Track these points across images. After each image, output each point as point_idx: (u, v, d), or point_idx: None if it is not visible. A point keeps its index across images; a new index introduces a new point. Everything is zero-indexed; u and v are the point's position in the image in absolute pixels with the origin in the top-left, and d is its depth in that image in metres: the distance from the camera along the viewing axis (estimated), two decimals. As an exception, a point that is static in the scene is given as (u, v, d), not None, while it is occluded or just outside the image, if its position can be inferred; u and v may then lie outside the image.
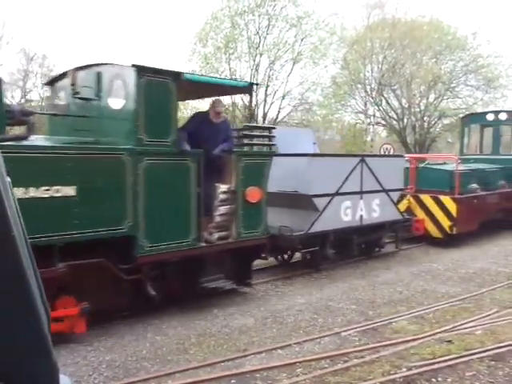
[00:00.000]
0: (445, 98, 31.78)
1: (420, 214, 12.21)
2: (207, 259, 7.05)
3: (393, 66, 30.38)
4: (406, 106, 31.67)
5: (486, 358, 5.30)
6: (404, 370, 5.01)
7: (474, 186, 12.60)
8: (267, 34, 27.24)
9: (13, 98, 32.33)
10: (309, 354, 5.44)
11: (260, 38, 27.16)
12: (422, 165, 13.43)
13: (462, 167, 12.95)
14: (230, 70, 27.29)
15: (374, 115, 31.02)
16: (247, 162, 7.27)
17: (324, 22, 27.86)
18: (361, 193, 9.74)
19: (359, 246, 10.36)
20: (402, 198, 12.01)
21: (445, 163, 14.25)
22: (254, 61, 27.26)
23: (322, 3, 42.04)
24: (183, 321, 6.55)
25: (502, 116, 15.37)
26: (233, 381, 4.81)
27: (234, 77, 26.81)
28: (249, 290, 7.96)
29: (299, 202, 8.88)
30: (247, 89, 8.17)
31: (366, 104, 31.01)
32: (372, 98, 30.41)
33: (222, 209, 7.10)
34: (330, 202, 9.09)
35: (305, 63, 28.28)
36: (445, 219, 11.87)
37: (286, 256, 10.04)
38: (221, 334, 6.09)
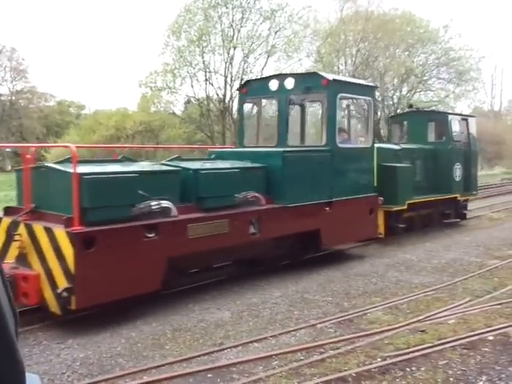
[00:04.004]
0: (417, 90, 32.24)
1: (36, 263, 6.10)
2: None
3: (366, 59, 30.61)
4: (380, 98, 31.97)
5: (458, 346, 5.39)
6: (379, 360, 5.06)
7: (160, 203, 6.53)
8: (241, 26, 27.21)
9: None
10: (285, 347, 5.45)
11: (234, 30, 27.09)
12: (49, 164, 7.10)
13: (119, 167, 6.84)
14: (203, 62, 27.16)
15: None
16: None
17: (297, 14, 27.96)
18: None
19: None
20: (13, 228, 6.39)
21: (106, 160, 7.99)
22: (228, 54, 27.20)
23: (295, -4, 42.14)
24: (158, 316, 6.50)
25: (289, 83, 9.41)
26: (209, 375, 4.79)
27: (207, 70, 26.69)
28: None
29: None
30: None
31: (340, 97, 31.12)
32: (346, 91, 30.55)
33: None
34: None
35: (279, 56, 28.39)
36: (61, 277, 5.81)
37: None
38: (197, 329, 6.06)
